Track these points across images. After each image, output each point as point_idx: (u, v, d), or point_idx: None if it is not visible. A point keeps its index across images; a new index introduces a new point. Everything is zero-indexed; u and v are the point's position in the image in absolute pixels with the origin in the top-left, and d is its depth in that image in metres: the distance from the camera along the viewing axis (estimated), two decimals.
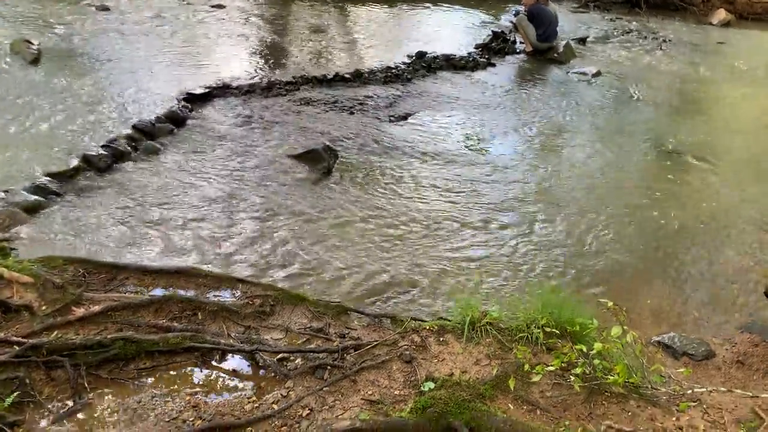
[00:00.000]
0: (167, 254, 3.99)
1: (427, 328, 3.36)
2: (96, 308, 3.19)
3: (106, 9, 8.83)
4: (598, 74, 8.44)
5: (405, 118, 6.55)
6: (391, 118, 6.50)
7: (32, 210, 4.27)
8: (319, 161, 5.31)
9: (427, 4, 11.19)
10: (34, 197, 4.35)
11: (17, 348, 2.87)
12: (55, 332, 3.04)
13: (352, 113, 6.54)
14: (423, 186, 5.21)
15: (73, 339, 2.96)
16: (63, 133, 5.28)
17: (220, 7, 9.67)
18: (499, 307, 3.55)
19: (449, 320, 3.45)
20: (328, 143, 5.55)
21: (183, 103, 6.12)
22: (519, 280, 4.13)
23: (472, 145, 6.06)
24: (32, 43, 6.94)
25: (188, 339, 3.06)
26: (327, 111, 6.53)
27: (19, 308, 3.15)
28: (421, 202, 4.94)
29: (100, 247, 3.97)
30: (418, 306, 3.77)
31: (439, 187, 5.20)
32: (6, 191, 4.35)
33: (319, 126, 6.12)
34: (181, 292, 3.44)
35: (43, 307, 3.19)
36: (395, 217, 4.68)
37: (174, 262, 3.85)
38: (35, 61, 6.76)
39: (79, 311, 3.17)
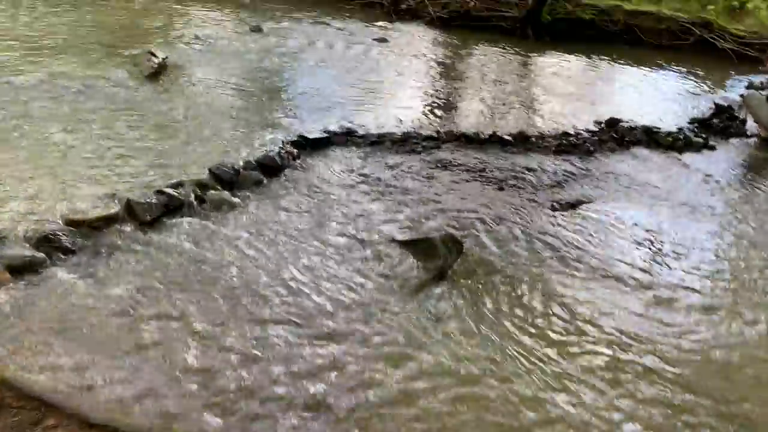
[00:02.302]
0: (154, 388, 2.58)
1: None
2: None
3: (258, 30, 8.04)
4: None
5: (574, 206, 4.71)
6: (555, 204, 4.70)
7: (21, 270, 3.13)
8: (432, 257, 3.68)
9: (629, 61, 9.16)
10: (31, 253, 3.22)
11: None
12: None
13: (501, 188, 4.85)
14: (583, 334, 3.32)
15: None
16: (122, 168, 4.20)
17: (382, 41, 8.51)
18: None
19: None
20: (452, 231, 3.92)
21: (288, 147, 4.84)
22: None
23: (665, 266, 4.04)
24: (155, 56, 6.18)
25: None
26: (468, 181, 4.90)
27: None
28: (575, 384, 3.05)
29: (76, 353, 2.68)
30: None
31: (609, 341, 3.28)
32: (3, 237, 3.27)
33: (450, 201, 4.50)
34: None
35: None
36: (521, 405, 2.87)
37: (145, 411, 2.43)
38: (153, 75, 5.96)
39: None
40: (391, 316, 3.22)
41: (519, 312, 3.40)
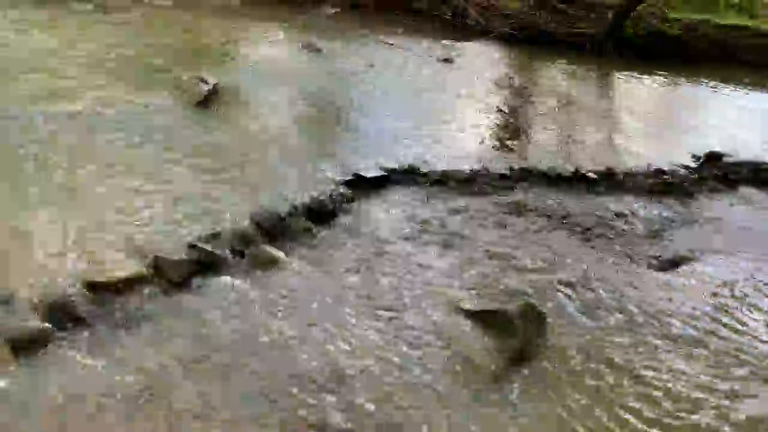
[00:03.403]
0: None
1: None
2: None
3: (316, 51, 7.59)
4: None
5: (677, 264, 3.96)
6: (653, 261, 3.97)
7: (25, 346, 2.67)
8: (509, 333, 3.04)
9: (722, 82, 8.23)
10: (39, 324, 2.76)
11: None
12: None
13: (587, 239, 4.16)
14: None
15: None
16: (155, 213, 3.73)
17: (447, 61, 7.91)
18: None
19: None
20: (530, 299, 3.27)
21: (341, 188, 4.30)
22: None
23: None
24: (206, 81, 5.77)
25: None
26: (547, 230, 4.22)
27: None
28: None
29: None
30: None
31: None
32: (6, 302, 2.83)
33: (527, 255, 3.84)
34: None
35: None
36: None
37: None
38: (203, 102, 5.54)
39: None
40: (458, 418, 2.59)
41: (621, 413, 2.72)
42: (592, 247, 4.07)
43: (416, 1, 9.89)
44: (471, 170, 4.83)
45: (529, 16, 9.38)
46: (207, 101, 5.60)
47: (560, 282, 3.58)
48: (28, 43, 6.40)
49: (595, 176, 4.94)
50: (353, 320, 3.09)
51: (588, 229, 4.27)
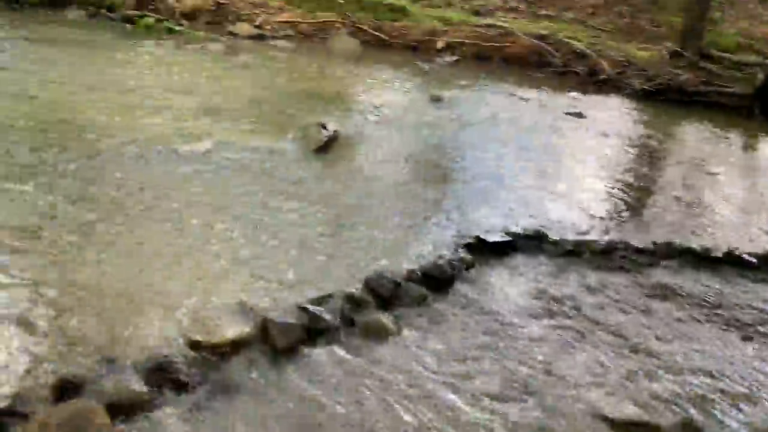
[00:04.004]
0: None
1: None
2: None
3: (439, 100, 7.37)
4: None
5: None
6: None
7: (126, 407, 2.49)
8: None
9: None
10: (139, 387, 2.58)
11: None
12: None
13: (748, 338, 3.53)
14: None
15: None
16: (265, 267, 3.53)
17: (577, 115, 7.43)
18: None
19: None
20: (689, 414, 2.73)
21: (461, 252, 3.95)
22: None
23: None
24: (326, 128, 5.66)
25: None
26: (699, 321, 3.64)
27: None
28: None
29: None
30: None
31: None
32: (111, 361, 2.69)
33: (677, 353, 3.28)
34: None
35: None
36: None
37: None
38: (321, 149, 5.43)
39: None
40: None
41: None
42: (755, 348, 3.45)
43: (548, 56, 9.51)
44: (607, 242, 4.33)
45: (666, 72, 8.73)
46: (326, 147, 5.49)
47: (721, 392, 3.01)
48: (163, 81, 6.64)
49: (753, 260, 4.28)
50: (474, 416, 2.69)
51: (748, 325, 3.64)
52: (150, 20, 9.30)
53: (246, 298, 3.21)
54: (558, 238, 4.31)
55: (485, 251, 4.07)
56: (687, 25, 9.62)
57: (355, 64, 8.92)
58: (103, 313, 2.97)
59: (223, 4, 10.40)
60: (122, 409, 2.49)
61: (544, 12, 11.99)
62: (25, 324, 2.82)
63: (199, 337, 2.87)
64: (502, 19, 11.18)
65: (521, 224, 4.49)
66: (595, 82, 8.90)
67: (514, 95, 7.94)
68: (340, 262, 3.71)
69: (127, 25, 9.38)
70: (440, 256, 3.84)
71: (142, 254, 3.50)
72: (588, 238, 4.39)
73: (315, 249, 3.81)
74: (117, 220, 3.79)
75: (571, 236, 4.40)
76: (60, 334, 2.80)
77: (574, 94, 8.42)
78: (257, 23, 10.07)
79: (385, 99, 7.23)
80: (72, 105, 5.54)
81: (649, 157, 6.64)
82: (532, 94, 8.14)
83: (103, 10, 9.75)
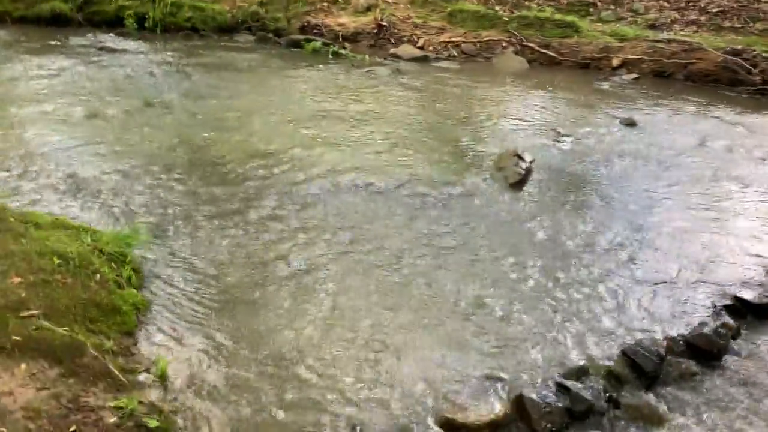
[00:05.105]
0: None
1: None
2: None
3: (632, 124, 6.66)
4: None
5: None
6: None
7: None
8: None
9: None
10: None
11: None
12: None
13: None
14: None
15: None
16: (510, 336, 3.11)
17: None
18: None
19: None
20: None
21: (724, 318, 3.31)
22: None
23: None
24: (523, 159, 5.20)
25: None
26: None
27: None
28: None
29: None
30: None
31: None
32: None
33: None
34: None
35: None
36: None
37: None
38: (518, 183, 4.98)
39: None
40: None
41: None
42: None
43: (742, 73, 8.47)
44: None
45: None
46: (522, 182, 5.02)
47: None
48: (344, 108, 6.52)
49: None
50: None
51: None
52: (317, 44, 9.36)
53: (492, 367, 2.82)
54: None
55: (748, 315, 3.41)
56: None
57: (523, 83, 8.40)
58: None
59: (383, 26, 10.31)
60: None
61: (728, 24, 10.82)
62: None
63: (453, 414, 2.50)
64: (681, 33, 10.19)
65: None
66: None
67: (717, 117, 7.05)
68: (580, 325, 3.21)
69: (293, 48, 9.50)
70: (702, 323, 3.23)
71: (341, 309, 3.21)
72: None
73: (549, 306, 3.35)
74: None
75: None
76: None
77: None
78: (419, 44, 9.86)
79: (568, 123, 6.65)
80: (268, 137, 5.50)
81: None
82: (733, 115, 7.20)
83: (270, 35, 9.97)
